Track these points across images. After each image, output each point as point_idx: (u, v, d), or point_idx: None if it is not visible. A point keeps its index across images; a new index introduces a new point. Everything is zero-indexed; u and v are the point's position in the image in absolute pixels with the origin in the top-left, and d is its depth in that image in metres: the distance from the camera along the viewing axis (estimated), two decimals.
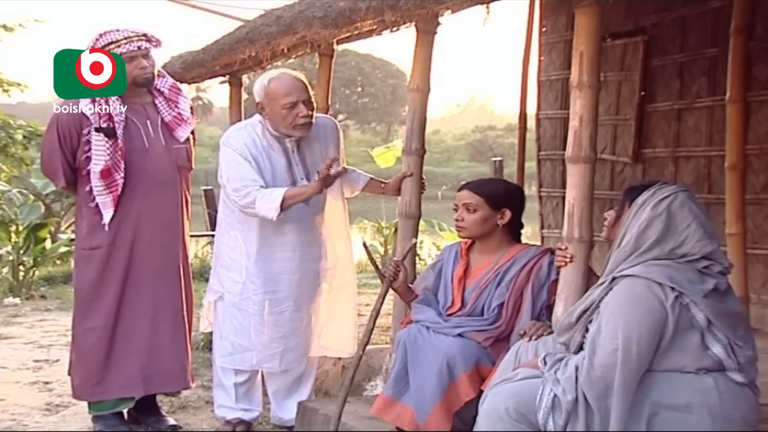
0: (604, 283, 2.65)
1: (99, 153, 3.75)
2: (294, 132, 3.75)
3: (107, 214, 3.83)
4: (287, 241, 3.81)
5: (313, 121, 3.78)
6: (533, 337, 3.01)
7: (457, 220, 3.43)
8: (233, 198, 3.72)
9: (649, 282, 2.53)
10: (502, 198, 3.39)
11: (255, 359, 3.86)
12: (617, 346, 2.49)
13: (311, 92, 3.79)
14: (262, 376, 4.05)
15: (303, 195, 3.66)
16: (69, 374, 4.03)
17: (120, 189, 3.81)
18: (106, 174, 3.76)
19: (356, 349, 3.49)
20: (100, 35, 3.78)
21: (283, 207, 3.61)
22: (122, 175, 3.80)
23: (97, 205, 3.82)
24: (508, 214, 3.38)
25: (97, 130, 3.75)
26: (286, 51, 4.58)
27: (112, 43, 3.76)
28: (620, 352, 2.48)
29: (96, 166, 3.75)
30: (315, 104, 3.84)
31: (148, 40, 3.86)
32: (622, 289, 2.57)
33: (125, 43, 3.77)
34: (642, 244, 2.62)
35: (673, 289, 2.52)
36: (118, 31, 3.79)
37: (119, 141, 3.78)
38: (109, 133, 3.76)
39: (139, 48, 3.81)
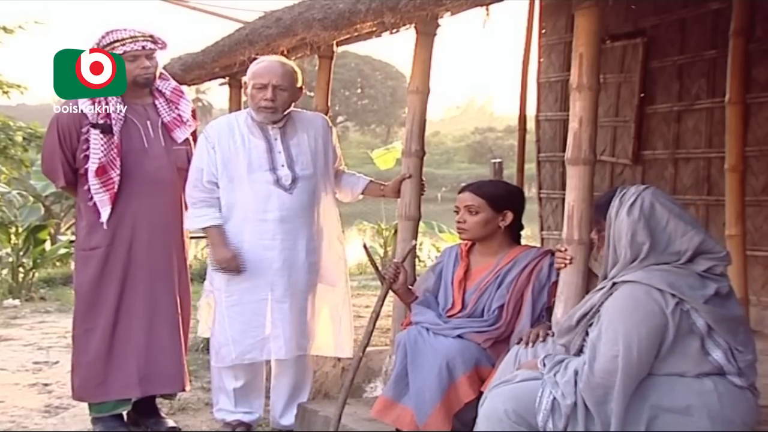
0: (605, 288, 2.64)
1: (95, 150, 3.75)
2: (257, 115, 3.76)
3: (105, 213, 3.82)
4: (267, 228, 3.78)
5: (278, 108, 3.72)
6: (530, 345, 3.00)
7: (458, 222, 3.42)
8: (188, 182, 3.84)
9: (649, 288, 2.53)
10: (503, 200, 3.39)
11: (234, 353, 3.81)
12: (617, 353, 2.48)
13: (294, 81, 3.75)
14: (267, 379, 4.04)
15: (214, 246, 3.80)
16: (71, 378, 4.01)
17: (116, 186, 3.80)
18: (101, 171, 3.76)
19: (355, 350, 3.48)
20: (107, 33, 3.80)
21: (203, 228, 3.82)
22: (118, 172, 3.79)
23: (95, 204, 3.82)
24: (509, 215, 3.38)
25: (94, 126, 3.75)
26: (285, 53, 4.58)
27: (116, 41, 3.77)
28: (620, 359, 2.48)
29: (92, 164, 3.75)
30: (291, 94, 3.76)
31: (154, 41, 3.87)
32: (622, 294, 2.56)
33: (130, 42, 3.78)
34: (639, 252, 2.61)
35: (673, 295, 2.51)
36: (124, 30, 3.80)
37: (115, 138, 3.78)
38: (106, 130, 3.76)
39: (143, 48, 3.82)
